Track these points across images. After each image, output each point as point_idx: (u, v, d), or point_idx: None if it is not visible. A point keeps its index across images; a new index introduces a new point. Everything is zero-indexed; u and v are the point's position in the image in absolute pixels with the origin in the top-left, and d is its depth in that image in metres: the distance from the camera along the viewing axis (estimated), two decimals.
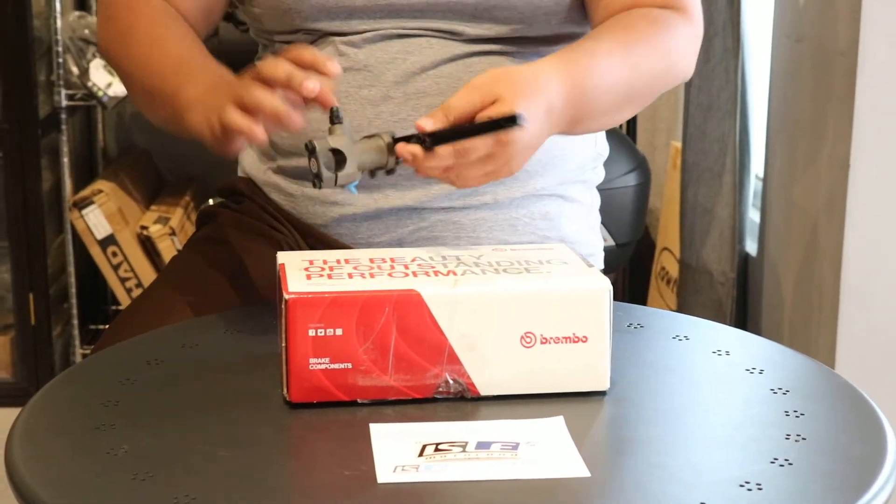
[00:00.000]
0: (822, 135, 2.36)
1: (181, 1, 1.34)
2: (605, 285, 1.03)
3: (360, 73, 1.30)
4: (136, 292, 2.88)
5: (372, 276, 1.02)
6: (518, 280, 1.03)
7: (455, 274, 1.03)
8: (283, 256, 1.08)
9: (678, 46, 1.28)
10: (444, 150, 1.07)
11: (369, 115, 1.30)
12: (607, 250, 1.49)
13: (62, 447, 0.94)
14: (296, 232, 1.37)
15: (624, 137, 2.46)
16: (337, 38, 1.32)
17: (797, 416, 0.99)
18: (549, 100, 1.13)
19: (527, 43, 1.32)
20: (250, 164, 1.44)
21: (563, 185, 1.38)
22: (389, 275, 1.02)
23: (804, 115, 2.45)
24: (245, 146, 1.17)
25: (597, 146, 1.43)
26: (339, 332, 0.98)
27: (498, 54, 1.31)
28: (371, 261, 1.06)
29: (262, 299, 1.28)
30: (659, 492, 0.90)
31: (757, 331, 2.71)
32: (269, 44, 1.40)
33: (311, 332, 0.98)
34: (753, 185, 2.81)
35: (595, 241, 1.44)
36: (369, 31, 1.31)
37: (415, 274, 1.03)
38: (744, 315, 2.80)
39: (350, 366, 0.99)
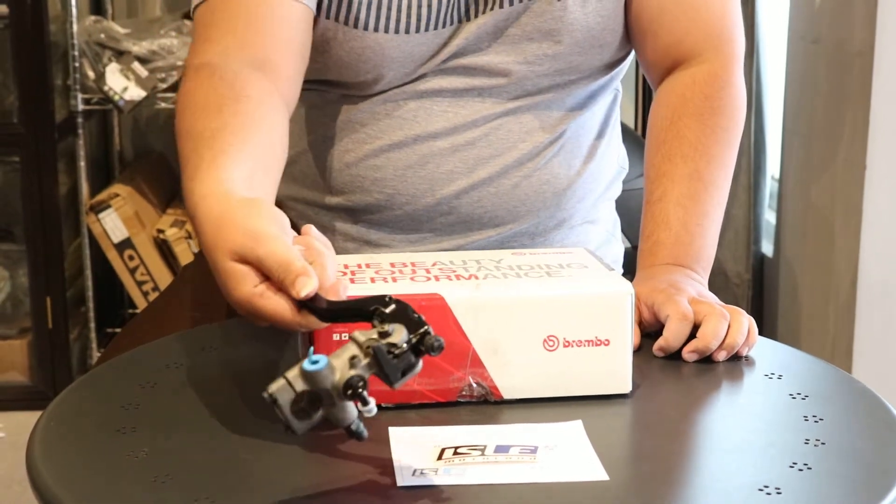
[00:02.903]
0: (838, 136, 2.35)
1: (278, 47, 1.18)
2: (628, 289, 1.03)
3: (408, 122, 1.29)
4: (153, 295, 2.89)
5: (394, 280, 1.02)
6: (540, 284, 1.03)
7: (477, 278, 1.04)
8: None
9: (737, 117, 1.32)
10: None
11: (414, 165, 1.29)
12: (625, 253, 1.49)
13: (83, 450, 0.94)
14: None
15: (640, 140, 2.45)
16: (388, 90, 1.29)
17: (816, 422, 0.99)
18: (695, 286, 1.21)
19: (573, 84, 1.32)
20: None
21: (595, 209, 1.39)
22: (412, 279, 1.03)
23: (820, 116, 2.45)
24: None
25: (619, 160, 1.44)
26: None
27: (545, 106, 1.31)
28: (392, 265, 1.06)
29: None
30: (678, 496, 0.90)
31: (773, 332, 2.71)
32: (308, 90, 1.33)
33: (336, 337, 0.98)
34: (769, 185, 2.81)
35: (616, 249, 1.45)
36: (420, 85, 1.28)
37: (437, 278, 1.03)
38: (760, 316, 2.79)
39: None
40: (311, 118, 1.33)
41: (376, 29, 1.24)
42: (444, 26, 1.25)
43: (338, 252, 1.34)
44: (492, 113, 1.29)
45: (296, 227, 1.38)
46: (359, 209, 1.31)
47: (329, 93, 1.31)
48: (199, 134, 1.06)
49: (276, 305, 0.90)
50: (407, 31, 1.24)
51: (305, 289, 0.89)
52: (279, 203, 1.40)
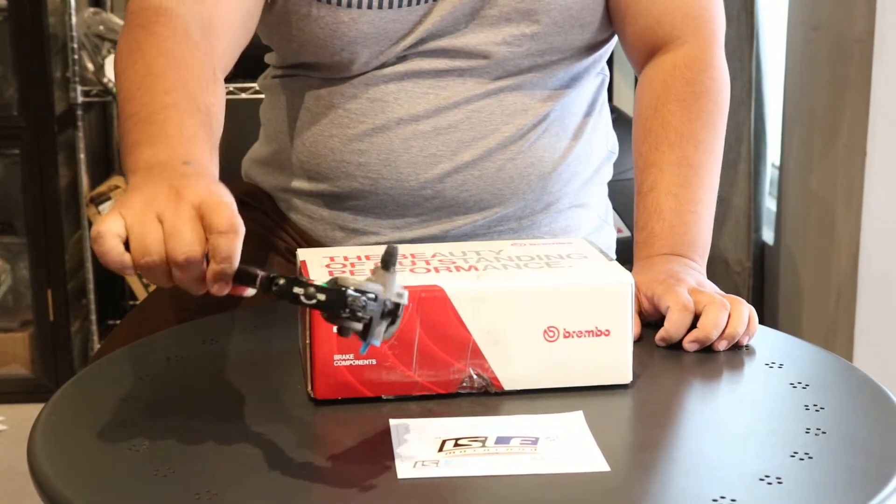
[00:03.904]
0: (839, 123, 2.35)
1: (223, 12, 1.19)
2: (628, 279, 1.03)
3: (390, 105, 1.29)
4: (154, 287, 2.89)
5: None
6: (540, 275, 1.03)
7: (477, 269, 1.03)
8: (303, 253, 1.08)
9: (721, 100, 1.31)
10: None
11: (398, 149, 1.29)
12: (623, 241, 1.49)
13: (84, 444, 0.94)
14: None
15: None
16: (368, 72, 1.30)
17: (817, 411, 0.99)
18: (694, 276, 1.20)
19: (555, 65, 1.31)
20: (260, 174, 1.42)
21: (583, 193, 1.39)
22: (411, 270, 1.03)
23: (820, 103, 2.44)
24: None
25: (608, 144, 1.43)
26: None
27: (528, 87, 1.31)
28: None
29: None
30: (679, 486, 0.90)
31: (774, 320, 2.71)
32: (291, 77, 1.35)
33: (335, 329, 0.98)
34: (770, 173, 2.81)
35: (609, 236, 1.45)
36: (400, 66, 1.29)
37: (437, 270, 1.03)
38: (760, 304, 2.79)
39: (374, 362, 0.99)
40: (295, 105, 1.34)
41: (349, 4, 1.24)
42: (417, 3, 1.25)
43: (326, 240, 1.36)
44: (473, 94, 1.29)
45: (285, 219, 1.39)
46: (344, 195, 1.32)
47: (310, 78, 1.32)
48: (187, 90, 1.06)
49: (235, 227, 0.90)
50: (380, 7, 1.24)
51: (220, 291, 0.92)
52: (268, 195, 1.40)
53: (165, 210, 0.91)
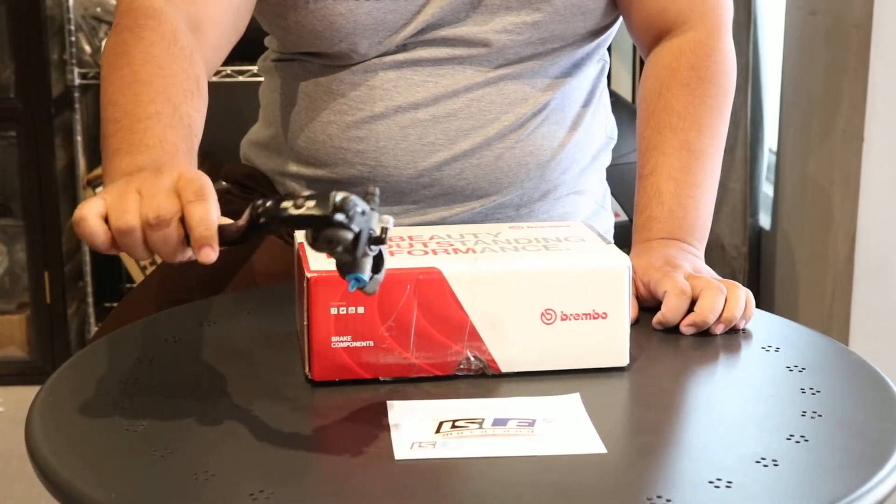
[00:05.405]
0: (837, 108, 2.35)
1: (213, 10, 1.19)
2: (625, 262, 1.03)
3: (389, 92, 1.29)
4: (151, 269, 2.89)
5: (392, 254, 1.02)
6: (538, 257, 1.03)
7: (474, 251, 1.04)
8: (301, 235, 1.08)
9: (727, 85, 1.32)
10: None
11: (396, 137, 1.29)
12: (621, 226, 1.49)
13: (82, 424, 0.95)
14: None
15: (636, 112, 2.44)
16: (368, 60, 1.29)
17: (813, 394, 1.00)
18: (691, 261, 1.20)
19: (557, 52, 1.31)
20: (258, 157, 1.42)
21: (581, 180, 1.39)
22: (409, 252, 1.03)
23: (818, 88, 2.44)
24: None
25: (607, 130, 1.43)
26: (360, 310, 0.98)
27: (529, 75, 1.30)
28: (390, 239, 1.06)
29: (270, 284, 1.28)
30: (675, 468, 0.90)
31: (770, 305, 2.71)
32: (289, 60, 1.35)
33: (333, 311, 0.98)
34: (767, 158, 2.81)
35: (606, 221, 1.45)
36: (400, 54, 1.28)
37: (434, 252, 1.03)
38: (757, 289, 2.80)
39: (372, 344, 0.99)
40: (293, 90, 1.34)
41: None
42: None
43: None
44: (473, 83, 1.29)
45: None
46: (342, 181, 1.32)
47: (311, 63, 1.32)
48: (171, 101, 1.07)
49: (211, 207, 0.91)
50: None
51: (207, 257, 0.91)
52: (267, 177, 1.41)
53: (144, 183, 0.93)
